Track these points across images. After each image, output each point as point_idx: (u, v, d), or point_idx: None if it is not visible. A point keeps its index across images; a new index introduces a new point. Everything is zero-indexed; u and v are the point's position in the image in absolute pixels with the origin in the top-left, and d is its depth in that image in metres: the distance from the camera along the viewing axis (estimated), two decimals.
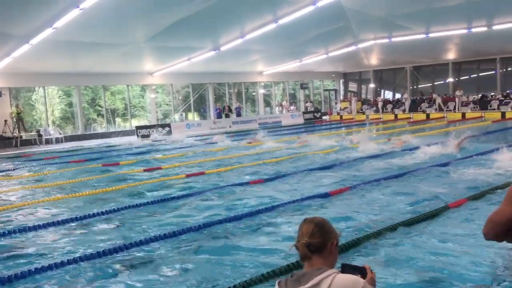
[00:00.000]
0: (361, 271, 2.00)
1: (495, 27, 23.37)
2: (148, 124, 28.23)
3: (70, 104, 29.51)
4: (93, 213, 7.35)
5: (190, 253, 5.39)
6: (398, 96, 35.26)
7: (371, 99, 35.59)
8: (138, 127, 25.77)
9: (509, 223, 2.09)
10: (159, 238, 5.83)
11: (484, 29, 23.82)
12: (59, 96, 29.71)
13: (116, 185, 9.93)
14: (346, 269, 2.03)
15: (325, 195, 7.82)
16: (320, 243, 2.01)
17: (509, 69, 30.62)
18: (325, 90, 40.04)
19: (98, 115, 30.47)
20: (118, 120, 30.95)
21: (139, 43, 21.62)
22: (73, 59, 22.73)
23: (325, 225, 2.07)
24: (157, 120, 29.80)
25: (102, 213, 7.38)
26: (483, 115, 26.80)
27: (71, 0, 15.42)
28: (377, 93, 36.37)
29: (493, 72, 30.74)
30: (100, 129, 29.05)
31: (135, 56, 23.76)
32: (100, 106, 29.44)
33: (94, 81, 27.23)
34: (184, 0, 17.75)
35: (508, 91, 28.75)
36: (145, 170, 12.14)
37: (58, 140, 23.73)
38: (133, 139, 23.60)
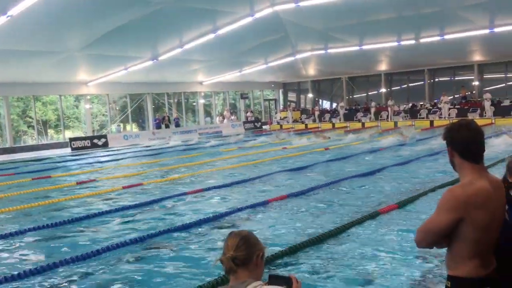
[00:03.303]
0: (287, 282, 2.00)
1: (422, 40, 24.79)
2: (83, 135, 27.19)
3: None
4: (20, 230, 6.94)
5: (126, 268, 5.22)
6: (335, 105, 36.39)
7: (311, 109, 36.45)
8: (72, 139, 24.75)
9: (442, 232, 2.16)
10: (92, 255, 5.60)
11: (412, 42, 25.21)
12: None
13: (47, 200, 9.44)
14: (273, 280, 2.02)
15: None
16: (245, 256, 2.00)
17: (436, 80, 32.51)
18: (265, 100, 40.55)
19: (28, 127, 28.96)
20: (50, 132, 29.56)
21: (72, 52, 20.82)
22: (0, 68, 21.47)
23: (250, 238, 2.06)
24: (93, 131, 28.78)
25: (30, 230, 6.97)
26: (413, 123, 28.20)
27: None
28: (315, 103, 37.32)
29: (422, 83, 32.51)
30: (31, 142, 27.61)
31: (69, 65, 22.81)
32: (30, 117, 28.01)
33: (24, 91, 25.86)
34: (121, 8, 17.37)
35: (435, 101, 30.50)
36: (78, 183, 11.67)
37: None
38: (67, 151, 22.65)
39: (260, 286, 1.95)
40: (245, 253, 2.00)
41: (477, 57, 28.42)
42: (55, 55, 20.79)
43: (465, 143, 2.21)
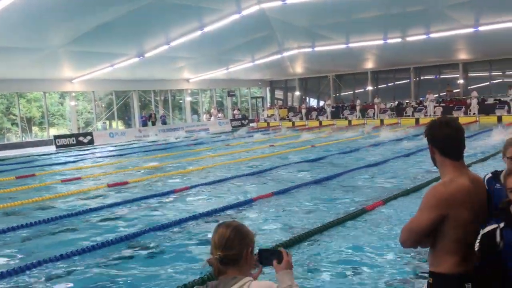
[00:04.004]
0: (278, 256, 2.01)
1: (408, 39, 24.98)
2: (68, 133, 26.88)
3: None
4: (3, 229, 6.84)
5: (111, 266, 5.17)
6: (322, 103, 36.53)
7: (298, 106, 36.53)
8: (56, 136, 24.44)
9: (426, 230, 2.17)
10: (77, 253, 5.55)
11: (398, 40, 25.38)
12: None
13: (31, 198, 9.31)
14: (263, 253, 2.04)
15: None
16: (235, 255, 1.97)
17: (421, 78, 32.81)
18: (252, 97, 40.53)
19: (12, 124, 28.55)
20: (34, 129, 29.17)
21: (57, 48, 20.55)
22: None
23: (239, 230, 2.01)
24: (78, 129, 28.48)
25: (13, 229, 6.88)
26: (399, 121, 28.43)
27: None
28: (302, 101, 37.40)
29: (408, 81, 32.79)
30: (15, 139, 27.23)
31: (53, 61, 22.53)
32: (14, 114, 27.61)
33: (7, 88, 25.45)
34: (106, 4, 17.18)
35: (421, 99, 30.78)
36: (62, 181, 11.53)
37: None
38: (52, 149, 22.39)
39: (249, 282, 1.94)
40: (234, 251, 1.96)
41: (462, 56, 28.73)
42: (39, 52, 20.50)
43: (446, 141, 2.22)
